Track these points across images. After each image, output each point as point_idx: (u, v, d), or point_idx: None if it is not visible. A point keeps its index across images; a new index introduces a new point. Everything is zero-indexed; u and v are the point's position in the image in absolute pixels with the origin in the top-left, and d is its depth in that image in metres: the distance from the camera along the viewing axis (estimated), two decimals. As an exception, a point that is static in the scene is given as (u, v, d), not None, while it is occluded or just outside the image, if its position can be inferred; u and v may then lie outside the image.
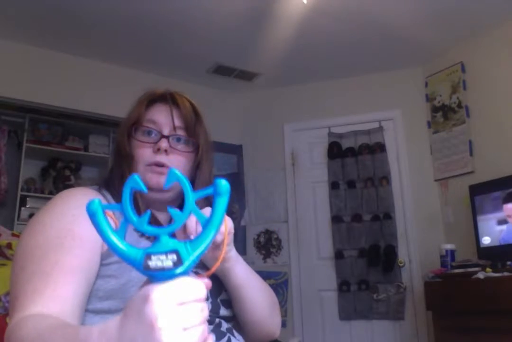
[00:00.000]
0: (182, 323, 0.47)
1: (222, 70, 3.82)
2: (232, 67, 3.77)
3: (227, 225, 0.77)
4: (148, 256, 0.49)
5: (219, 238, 0.77)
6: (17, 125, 3.61)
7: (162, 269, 0.48)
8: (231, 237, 0.82)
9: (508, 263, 2.60)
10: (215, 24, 3.19)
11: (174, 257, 0.48)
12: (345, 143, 3.80)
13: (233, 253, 0.88)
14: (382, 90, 3.82)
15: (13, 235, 1.66)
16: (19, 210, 3.43)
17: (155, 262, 0.48)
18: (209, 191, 0.51)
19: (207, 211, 0.62)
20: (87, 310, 0.80)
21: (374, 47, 3.49)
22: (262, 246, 3.84)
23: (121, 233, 0.51)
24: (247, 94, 4.19)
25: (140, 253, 0.49)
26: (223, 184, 0.50)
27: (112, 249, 0.51)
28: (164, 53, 3.58)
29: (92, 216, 0.50)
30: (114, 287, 0.81)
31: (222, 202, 0.50)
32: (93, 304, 0.81)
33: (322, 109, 3.93)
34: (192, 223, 0.75)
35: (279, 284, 3.71)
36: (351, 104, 3.87)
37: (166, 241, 0.49)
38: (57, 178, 3.75)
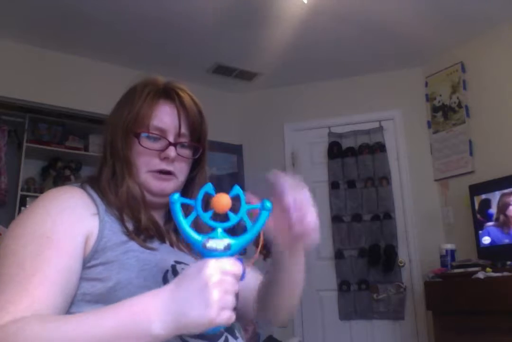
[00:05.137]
0: (224, 286, 0.63)
1: (222, 70, 3.82)
2: (232, 67, 3.77)
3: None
4: (207, 239, 0.67)
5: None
6: (17, 125, 3.60)
7: (215, 250, 0.66)
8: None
9: (508, 263, 2.60)
10: (215, 24, 3.19)
11: (226, 243, 0.67)
12: (345, 143, 3.80)
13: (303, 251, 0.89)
14: (382, 90, 3.82)
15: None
16: (19, 209, 3.43)
17: (212, 244, 0.67)
18: (258, 206, 0.72)
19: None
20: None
21: (374, 47, 3.49)
22: (263, 245, 3.83)
23: (189, 220, 0.69)
24: (247, 94, 4.19)
25: (202, 237, 0.67)
26: (268, 204, 0.72)
27: (181, 230, 0.69)
28: (164, 53, 3.58)
29: (172, 204, 0.69)
30: (102, 291, 0.79)
31: (264, 215, 0.72)
32: (82, 308, 0.79)
33: (322, 109, 3.93)
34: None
35: (279, 284, 3.70)
36: (351, 104, 3.87)
37: (221, 233, 0.68)
38: (57, 177, 3.74)
